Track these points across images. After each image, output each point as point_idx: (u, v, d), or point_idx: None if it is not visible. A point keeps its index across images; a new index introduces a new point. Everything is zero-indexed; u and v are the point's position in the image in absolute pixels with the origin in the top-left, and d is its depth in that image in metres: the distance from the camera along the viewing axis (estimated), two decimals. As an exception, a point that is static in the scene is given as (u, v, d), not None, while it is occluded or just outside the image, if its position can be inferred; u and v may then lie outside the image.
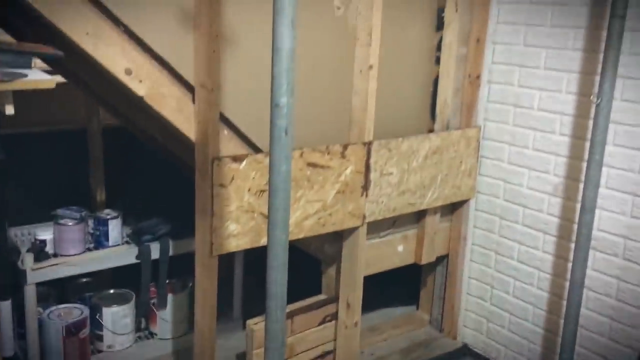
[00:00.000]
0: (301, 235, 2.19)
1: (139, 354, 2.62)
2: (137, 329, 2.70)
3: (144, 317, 2.71)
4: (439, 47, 2.49)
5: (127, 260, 2.54)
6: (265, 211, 2.05)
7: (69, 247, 2.44)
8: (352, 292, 2.42)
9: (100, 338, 2.57)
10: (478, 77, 2.58)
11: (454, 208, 2.74)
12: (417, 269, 2.83)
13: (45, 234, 2.45)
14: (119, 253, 2.53)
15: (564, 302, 2.37)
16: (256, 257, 2.83)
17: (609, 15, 2.02)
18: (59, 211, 2.48)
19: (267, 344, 1.37)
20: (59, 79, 2.39)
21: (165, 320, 2.70)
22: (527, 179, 2.51)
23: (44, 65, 2.37)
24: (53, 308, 2.47)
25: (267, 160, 2.04)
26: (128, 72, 1.84)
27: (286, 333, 2.29)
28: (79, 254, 2.46)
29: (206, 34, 1.87)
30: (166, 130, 2.10)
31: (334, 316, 2.51)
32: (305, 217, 2.17)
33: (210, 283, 2.07)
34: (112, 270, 2.65)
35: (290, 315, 2.38)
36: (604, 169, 2.19)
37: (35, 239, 2.45)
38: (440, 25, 2.47)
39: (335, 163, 2.20)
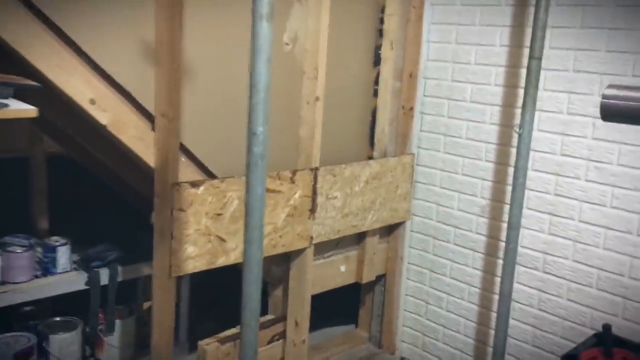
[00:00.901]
0: (254, 257, 2.30)
1: (86, 381, 2.63)
2: (84, 356, 2.70)
3: (92, 343, 2.71)
4: (376, 81, 2.71)
5: (76, 287, 2.55)
6: (221, 234, 2.18)
7: (16, 274, 2.43)
8: (300, 311, 2.55)
9: (47, 366, 2.56)
10: (411, 108, 2.81)
11: (391, 230, 2.94)
12: (355, 288, 2.99)
13: (-8, 261, 2.43)
14: (67, 280, 2.54)
15: (493, 314, 2.61)
16: (201, 281, 2.92)
17: (527, 57, 2.30)
18: (7, 238, 2.47)
19: (242, 353, 1.48)
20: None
21: (112, 345, 2.71)
22: (457, 202, 2.75)
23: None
24: (0, 336, 2.44)
25: (223, 186, 2.16)
26: (92, 102, 1.92)
27: (236, 354, 2.38)
28: (28, 281, 2.45)
29: (167, 66, 1.98)
30: (126, 157, 2.17)
31: (282, 335, 2.63)
32: (258, 239, 2.29)
33: (168, 304, 2.14)
34: (54, 298, 2.64)
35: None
36: (525, 191, 2.45)
37: (-18, 267, 2.42)
38: (377, 62, 2.69)
39: (285, 187, 2.34)
